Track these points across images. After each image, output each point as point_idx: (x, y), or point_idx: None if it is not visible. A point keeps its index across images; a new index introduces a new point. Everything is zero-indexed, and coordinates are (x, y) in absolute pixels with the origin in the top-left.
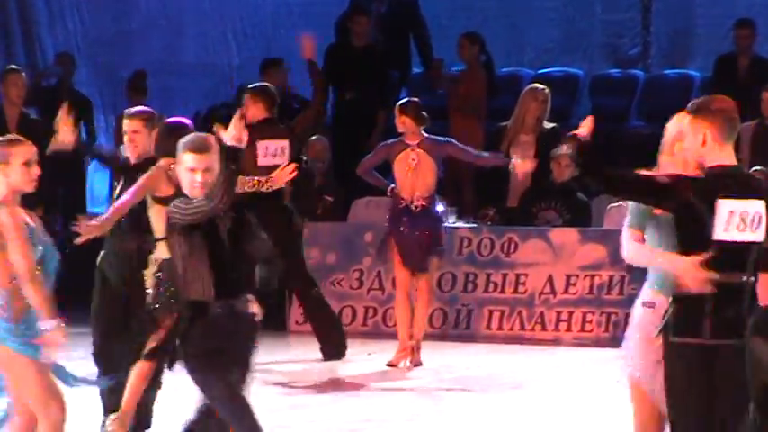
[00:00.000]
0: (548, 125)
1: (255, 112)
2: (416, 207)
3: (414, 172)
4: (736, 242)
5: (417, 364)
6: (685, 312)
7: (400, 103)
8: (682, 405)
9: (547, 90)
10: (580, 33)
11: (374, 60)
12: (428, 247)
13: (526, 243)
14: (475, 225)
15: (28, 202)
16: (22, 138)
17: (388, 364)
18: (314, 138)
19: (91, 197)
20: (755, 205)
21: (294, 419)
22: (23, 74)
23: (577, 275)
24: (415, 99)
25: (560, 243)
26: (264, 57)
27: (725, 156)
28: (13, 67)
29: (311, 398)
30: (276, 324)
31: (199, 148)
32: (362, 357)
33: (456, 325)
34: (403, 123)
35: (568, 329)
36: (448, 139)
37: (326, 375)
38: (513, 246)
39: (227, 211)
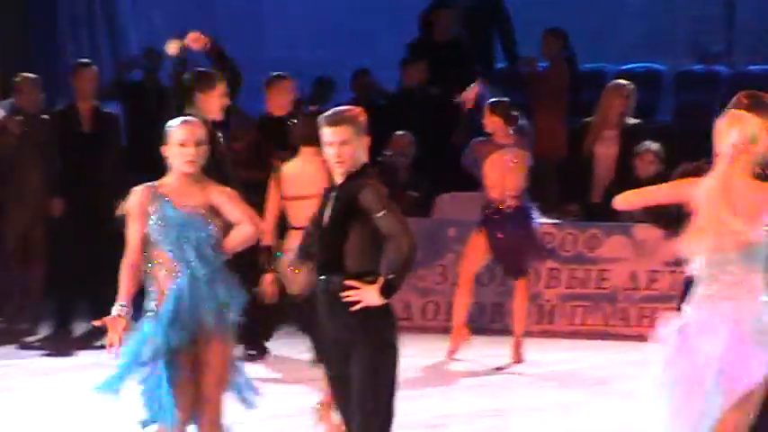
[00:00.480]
0: (631, 121)
1: None
2: (509, 207)
3: (510, 173)
4: None
5: (519, 360)
6: None
7: (490, 102)
8: None
9: (631, 86)
10: (664, 29)
11: (458, 55)
12: (525, 250)
13: (609, 239)
14: (558, 221)
15: None
16: (191, 119)
17: (448, 354)
18: (399, 132)
19: None
20: None
21: None
22: (94, 67)
23: (661, 271)
24: (505, 99)
25: (644, 239)
26: (347, 53)
27: None
28: (84, 60)
29: None
30: None
31: (332, 122)
32: (446, 352)
33: (539, 321)
34: (493, 123)
35: (651, 325)
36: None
37: (409, 370)
38: (596, 241)
39: None
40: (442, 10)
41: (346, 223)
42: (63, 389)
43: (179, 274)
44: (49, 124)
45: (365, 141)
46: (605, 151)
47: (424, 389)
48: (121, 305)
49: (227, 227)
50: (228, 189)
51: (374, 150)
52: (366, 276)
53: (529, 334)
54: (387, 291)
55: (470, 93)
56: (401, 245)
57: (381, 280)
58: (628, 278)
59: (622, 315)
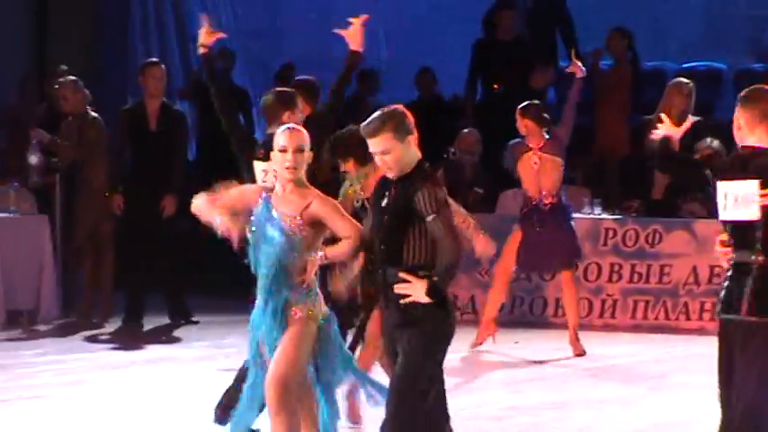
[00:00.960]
0: (692, 118)
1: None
2: (545, 205)
3: (537, 174)
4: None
5: (580, 353)
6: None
7: (521, 106)
8: None
9: (691, 84)
10: (724, 28)
11: (521, 54)
12: (560, 246)
13: (671, 234)
14: (620, 216)
15: None
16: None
17: (472, 346)
18: (465, 131)
19: None
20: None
21: None
22: (162, 66)
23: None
24: (536, 102)
25: (705, 234)
26: (413, 53)
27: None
28: (153, 60)
29: (459, 385)
30: None
31: (368, 133)
32: (509, 346)
33: (601, 315)
34: (525, 126)
35: (712, 319)
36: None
37: (474, 363)
38: (657, 237)
39: None
40: (504, 11)
41: (404, 220)
42: (132, 383)
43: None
44: (99, 122)
45: (411, 139)
46: None
47: (489, 382)
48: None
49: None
50: (332, 200)
51: (440, 146)
52: (422, 270)
53: (591, 328)
54: (432, 292)
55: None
56: (445, 250)
57: (427, 281)
58: (689, 273)
59: (683, 309)
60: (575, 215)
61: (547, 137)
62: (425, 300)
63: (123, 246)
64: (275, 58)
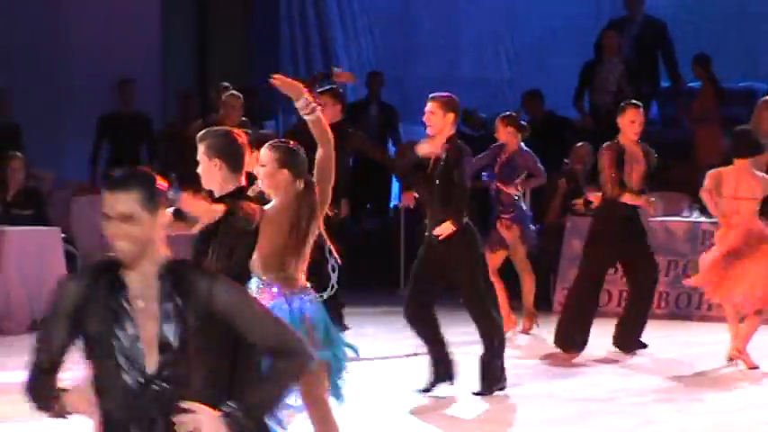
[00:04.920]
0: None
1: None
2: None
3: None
4: None
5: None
6: None
7: (501, 116)
8: None
9: None
10: None
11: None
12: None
13: None
14: (716, 219)
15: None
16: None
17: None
18: (578, 144)
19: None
20: None
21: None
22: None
23: None
24: (512, 113)
25: None
26: (532, 71)
27: None
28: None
29: (533, 372)
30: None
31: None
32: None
33: (698, 307)
34: (507, 134)
35: None
36: (529, 151)
37: (550, 352)
38: None
39: None
40: (609, 31)
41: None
42: None
43: None
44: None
45: (450, 117)
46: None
47: (599, 366)
48: None
49: None
50: None
51: (555, 159)
52: None
53: (690, 318)
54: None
55: None
56: None
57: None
58: None
59: None
60: (675, 218)
61: (522, 146)
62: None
63: None
64: (410, 79)
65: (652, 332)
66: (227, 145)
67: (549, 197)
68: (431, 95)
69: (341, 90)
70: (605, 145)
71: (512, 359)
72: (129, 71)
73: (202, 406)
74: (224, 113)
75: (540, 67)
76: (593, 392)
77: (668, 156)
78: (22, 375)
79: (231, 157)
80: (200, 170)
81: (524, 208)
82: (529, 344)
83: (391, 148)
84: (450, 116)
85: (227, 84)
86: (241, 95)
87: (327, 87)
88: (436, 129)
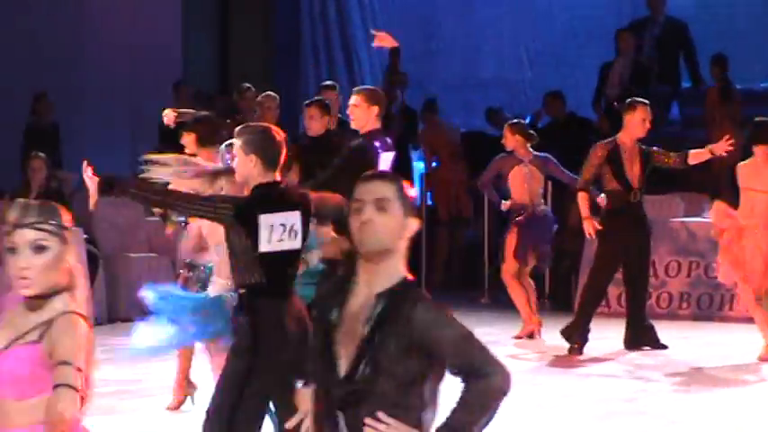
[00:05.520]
0: None
1: None
2: (537, 211)
3: (528, 183)
4: None
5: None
6: None
7: (509, 123)
8: None
9: None
10: None
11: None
12: (544, 247)
13: None
14: None
15: None
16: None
17: (517, 336)
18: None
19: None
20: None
21: (546, 396)
22: (336, 89)
23: None
24: (520, 120)
25: None
26: (553, 72)
27: None
28: (328, 83)
29: (550, 373)
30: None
31: None
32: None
33: (720, 308)
34: (515, 141)
35: None
36: (547, 155)
37: (609, 352)
38: None
39: None
40: (623, 32)
41: None
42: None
43: None
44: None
45: (374, 110)
46: None
47: (621, 367)
48: None
49: None
50: None
51: (577, 159)
52: None
53: (710, 318)
54: None
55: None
56: None
57: None
58: None
59: None
60: (696, 219)
61: (533, 152)
62: None
63: None
64: (430, 81)
65: (673, 332)
66: (264, 141)
67: (570, 198)
68: (355, 89)
69: (327, 102)
70: (600, 143)
71: (528, 362)
72: (151, 72)
73: (400, 423)
74: (260, 114)
75: (562, 68)
76: (613, 394)
77: None
78: None
79: (267, 153)
80: (234, 163)
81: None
82: (542, 346)
83: (412, 152)
84: (375, 109)
85: (248, 85)
86: (277, 96)
87: (315, 99)
88: (360, 122)
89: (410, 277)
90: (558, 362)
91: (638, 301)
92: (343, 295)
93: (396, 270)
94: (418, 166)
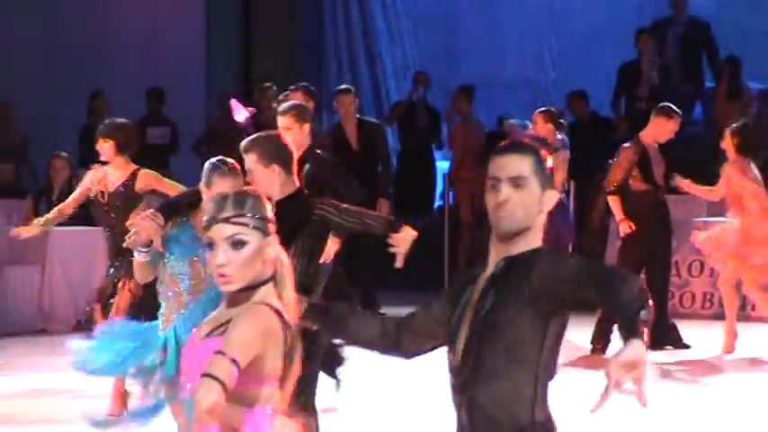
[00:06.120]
0: None
1: None
2: (561, 199)
3: (558, 171)
4: None
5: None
6: None
7: (540, 111)
8: None
9: None
10: None
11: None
12: (564, 233)
13: None
14: None
15: None
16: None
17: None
18: (625, 144)
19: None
20: None
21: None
22: (352, 92)
23: None
24: (551, 108)
25: None
26: (576, 71)
27: None
28: (343, 87)
29: (568, 373)
30: None
31: None
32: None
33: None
34: (546, 129)
35: None
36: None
37: (609, 353)
38: None
39: None
40: (642, 33)
41: None
42: None
43: None
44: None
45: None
46: None
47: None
48: None
49: None
50: None
51: (599, 159)
52: None
53: (745, 319)
54: None
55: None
56: None
57: None
58: None
59: None
60: (719, 218)
61: (560, 137)
62: None
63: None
64: (453, 80)
65: (696, 332)
66: (281, 149)
67: (593, 198)
68: (280, 109)
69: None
70: (629, 144)
71: None
72: (174, 72)
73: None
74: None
75: (585, 68)
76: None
77: (711, 156)
78: (67, 376)
79: (286, 160)
80: (252, 178)
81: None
82: (564, 344)
83: (436, 153)
84: (306, 127)
85: (269, 84)
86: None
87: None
88: (296, 143)
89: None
90: (581, 361)
91: (660, 300)
92: (474, 280)
93: (530, 244)
94: (441, 166)
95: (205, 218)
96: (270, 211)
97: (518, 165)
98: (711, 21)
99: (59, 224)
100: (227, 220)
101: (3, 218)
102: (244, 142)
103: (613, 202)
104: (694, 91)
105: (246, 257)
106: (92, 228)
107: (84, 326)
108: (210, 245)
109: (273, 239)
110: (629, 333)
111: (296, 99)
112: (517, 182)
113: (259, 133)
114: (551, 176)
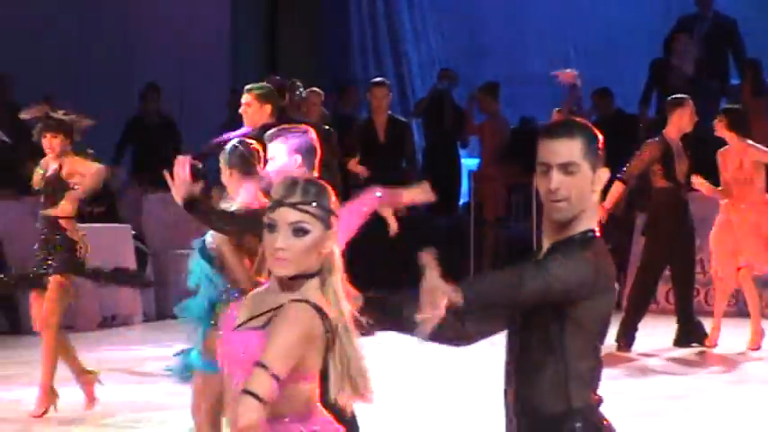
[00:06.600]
0: None
1: None
2: None
3: None
4: None
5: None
6: None
7: (558, 110)
8: None
9: None
10: None
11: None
12: None
13: None
14: None
15: None
16: None
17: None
18: (650, 141)
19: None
20: None
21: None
22: (386, 85)
23: None
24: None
25: None
26: (599, 69)
27: None
28: (379, 79)
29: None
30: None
31: None
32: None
33: None
34: None
35: None
36: None
37: (634, 350)
38: None
39: None
40: (679, 34)
41: None
42: None
43: None
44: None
45: (267, 109)
46: None
47: (669, 365)
48: None
49: None
50: None
51: (625, 157)
52: None
53: None
54: None
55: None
56: None
57: None
58: None
59: None
60: None
61: None
62: None
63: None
64: (478, 76)
65: (722, 330)
66: (305, 143)
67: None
68: (246, 87)
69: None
70: (653, 140)
71: None
72: (199, 69)
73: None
74: (305, 110)
75: (609, 65)
76: (661, 391)
77: None
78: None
79: (309, 154)
80: (275, 165)
81: None
82: None
83: (460, 151)
84: (267, 108)
85: (294, 80)
86: (322, 92)
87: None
88: (252, 121)
89: (595, 230)
90: (605, 359)
91: (685, 298)
92: None
93: (585, 226)
94: (467, 164)
95: (272, 199)
96: (335, 205)
97: (569, 150)
98: (738, 18)
99: (84, 221)
100: (293, 206)
101: (29, 216)
102: (272, 131)
103: (615, 187)
104: (720, 87)
105: (306, 246)
106: (118, 225)
107: (109, 323)
108: (272, 226)
109: (334, 234)
110: None
111: (310, 99)
112: (568, 168)
113: (288, 125)
114: (602, 155)
